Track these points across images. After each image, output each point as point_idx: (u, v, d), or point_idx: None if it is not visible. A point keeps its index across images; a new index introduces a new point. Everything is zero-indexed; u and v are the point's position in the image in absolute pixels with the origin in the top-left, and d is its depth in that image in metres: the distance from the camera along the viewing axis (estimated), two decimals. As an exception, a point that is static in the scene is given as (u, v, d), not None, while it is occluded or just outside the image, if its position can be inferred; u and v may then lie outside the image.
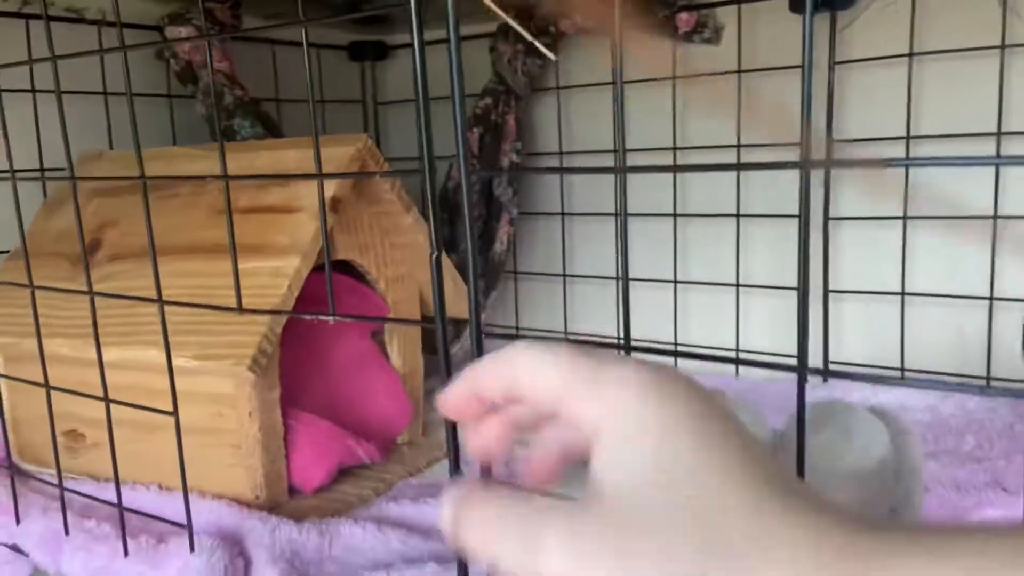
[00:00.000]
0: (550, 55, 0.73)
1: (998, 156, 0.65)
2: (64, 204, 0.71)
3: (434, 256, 0.35)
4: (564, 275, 0.95)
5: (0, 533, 0.60)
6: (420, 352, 0.72)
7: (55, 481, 0.63)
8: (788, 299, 0.81)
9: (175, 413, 0.47)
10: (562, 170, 0.92)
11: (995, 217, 0.71)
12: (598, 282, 0.93)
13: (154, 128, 0.84)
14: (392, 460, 0.67)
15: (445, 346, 0.36)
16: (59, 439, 0.65)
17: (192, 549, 0.48)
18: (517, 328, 0.98)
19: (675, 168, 0.26)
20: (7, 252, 0.71)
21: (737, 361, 0.30)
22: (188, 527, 0.48)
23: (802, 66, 0.27)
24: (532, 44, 0.86)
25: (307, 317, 0.41)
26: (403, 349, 0.70)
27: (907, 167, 0.64)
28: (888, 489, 0.37)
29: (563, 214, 0.94)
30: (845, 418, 0.35)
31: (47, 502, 0.61)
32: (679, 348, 0.88)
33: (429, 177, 0.35)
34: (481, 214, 0.90)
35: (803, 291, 0.28)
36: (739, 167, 0.30)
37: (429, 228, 0.35)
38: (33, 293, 0.53)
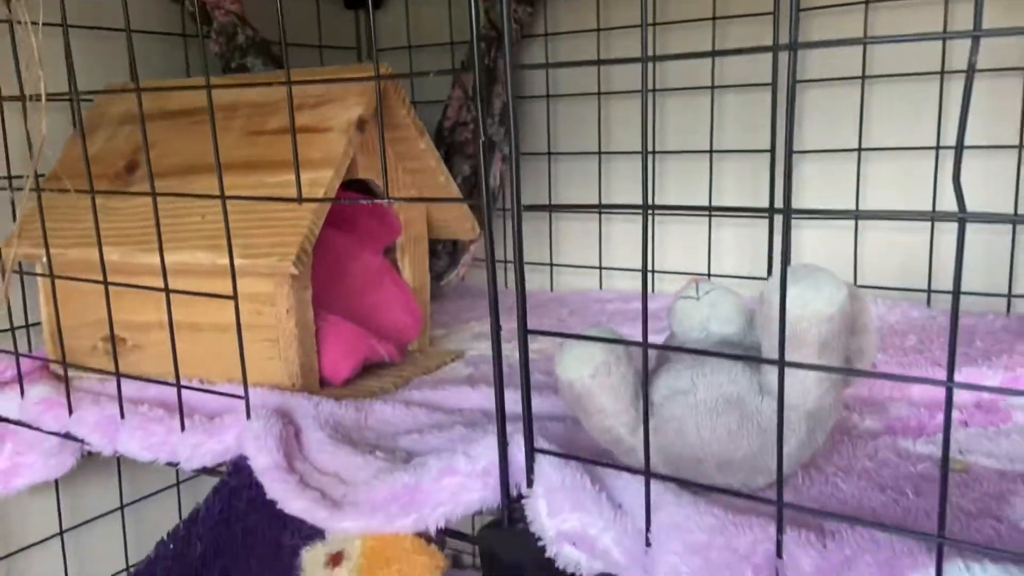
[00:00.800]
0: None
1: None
2: (96, 130, 0.76)
3: (483, 141, 0.42)
4: (550, 209, 1.02)
5: (52, 424, 0.66)
6: (428, 270, 0.79)
7: (98, 384, 0.70)
8: (755, 227, 0.90)
9: (235, 297, 0.54)
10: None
11: (937, 148, 0.80)
12: (580, 216, 1.01)
13: (169, 65, 0.89)
14: (406, 362, 0.74)
15: (489, 220, 0.43)
16: (100, 344, 0.71)
17: (248, 416, 0.55)
18: (505, 260, 1.05)
19: (693, 55, 0.32)
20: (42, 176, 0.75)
21: (711, 210, 0.38)
22: (245, 396, 0.55)
23: (787, -25, 0.35)
24: (523, -8, 0.93)
25: (363, 202, 0.47)
26: (413, 266, 0.78)
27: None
28: (845, 339, 0.46)
29: (549, 153, 1.01)
30: (814, 275, 0.44)
31: (95, 397, 0.67)
32: (655, 271, 0.97)
33: (479, 79, 0.42)
34: (474, 152, 0.97)
35: (773, 142, 0.36)
36: (715, 54, 0.37)
37: (477, 118, 0.42)
38: (93, 198, 0.59)
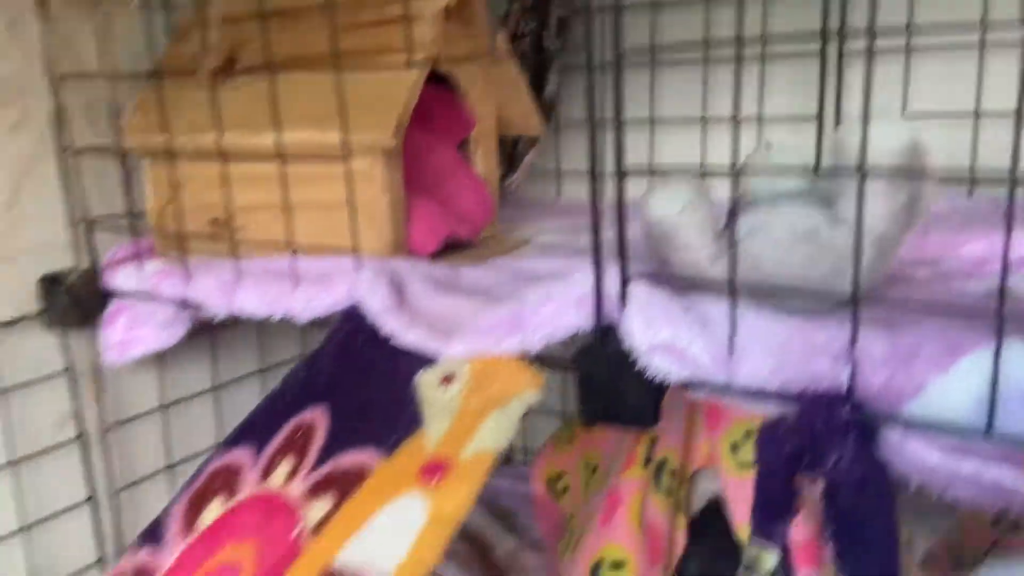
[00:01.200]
0: None
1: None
2: (192, 31, 0.82)
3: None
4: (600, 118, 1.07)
5: (170, 291, 0.73)
6: (497, 163, 0.85)
7: (207, 260, 0.76)
8: (801, 133, 0.95)
9: (345, 157, 0.60)
10: None
11: (981, 46, 0.84)
12: (629, 126, 1.06)
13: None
14: (481, 246, 0.80)
15: (590, 58, 0.48)
16: (206, 227, 0.78)
17: (358, 270, 0.61)
18: (558, 171, 1.10)
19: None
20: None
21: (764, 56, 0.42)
22: (355, 252, 0.61)
23: None
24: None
25: (471, 62, 0.53)
26: (485, 160, 0.83)
27: None
28: (909, 179, 0.51)
29: (601, 64, 1.06)
30: (883, 115, 0.49)
31: (207, 268, 0.73)
32: (706, 174, 1.01)
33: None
34: (533, 64, 1.02)
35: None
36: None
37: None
38: (212, 76, 0.64)
